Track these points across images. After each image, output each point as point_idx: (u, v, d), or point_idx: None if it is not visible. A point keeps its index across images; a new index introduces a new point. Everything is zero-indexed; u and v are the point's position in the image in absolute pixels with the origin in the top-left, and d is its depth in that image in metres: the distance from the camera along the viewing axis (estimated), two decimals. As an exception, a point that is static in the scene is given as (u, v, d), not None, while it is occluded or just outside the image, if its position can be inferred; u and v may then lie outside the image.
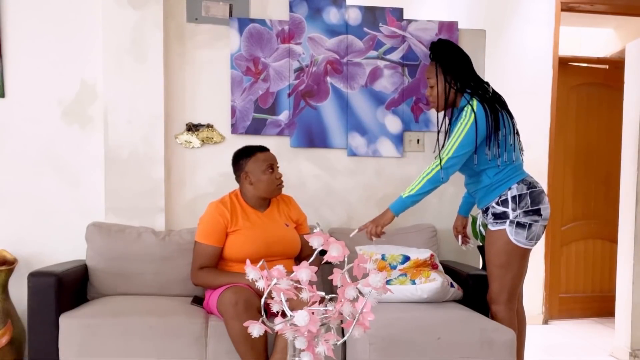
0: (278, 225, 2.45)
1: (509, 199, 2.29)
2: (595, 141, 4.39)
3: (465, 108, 2.29)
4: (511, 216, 2.28)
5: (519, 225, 2.27)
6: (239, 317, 2.04)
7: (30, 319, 2.23)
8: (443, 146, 2.35)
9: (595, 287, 4.46)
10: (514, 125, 2.36)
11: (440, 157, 2.29)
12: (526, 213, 2.27)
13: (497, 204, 2.32)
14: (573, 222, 4.39)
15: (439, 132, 2.47)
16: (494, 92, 2.39)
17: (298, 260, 2.49)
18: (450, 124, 2.45)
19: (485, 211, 2.41)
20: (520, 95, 3.88)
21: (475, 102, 2.28)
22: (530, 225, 2.27)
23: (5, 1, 2.76)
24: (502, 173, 2.31)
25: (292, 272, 2.32)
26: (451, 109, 2.44)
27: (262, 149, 2.46)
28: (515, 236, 2.28)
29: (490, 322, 2.26)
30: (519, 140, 2.40)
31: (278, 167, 2.47)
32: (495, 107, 2.30)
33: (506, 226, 2.29)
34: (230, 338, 2.12)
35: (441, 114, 2.47)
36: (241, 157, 2.44)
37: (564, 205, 4.34)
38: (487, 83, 2.41)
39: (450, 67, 2.35)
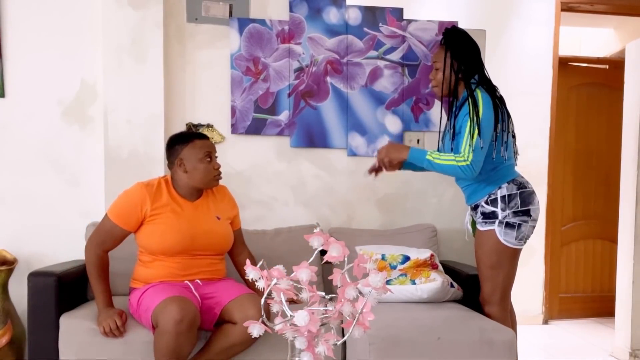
0: (208, 218, 2.24)
1: (499, 199, 2.27)
2: (595, 141, 4.39)
3: (469, 98, 2.23)
4: (500, 216, 2.26)
5: (508, 225, 2.26)
6: (178, 337, 1.90)
7: (30, 319, 2.22)
8: (453, 140, 2.28)
9: (595, 287, 4.46)
10: (510, 124, 2.34)
11: (463, 153, 2.19)
12: (515, 213, 2.25)
13: (487, 203, 2.30)
14: (573, 222, 4.39)
15: (448, 119, 2.39)
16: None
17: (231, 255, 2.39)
18: (449, 114, 2.39)
19: (474, 209, 2.40)
20: (520, 95, 3.88)
21: (479, 92, 2.24)
22: (519, 225, 2.26)
23: (5, 1, 2.76)
24: (493, 171, 2.29)
25: (220, 269, 2.27)
26: (453, 100, 2.36)
27: (201, 137, 2.26)
28: (505, 236, 2.26)
29: (490, 322, 2.25)
30: (515, 143, 2.38)
31: (217, 157, 2.27)
32: (497, 100, 2.27)
33: (495, 226, 2.27)
34: (155, 352, 1.97)
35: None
36: (177, 142, 2.23)
37: (564, 205, 4.34)
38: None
39: (459, 55, 2.32)
